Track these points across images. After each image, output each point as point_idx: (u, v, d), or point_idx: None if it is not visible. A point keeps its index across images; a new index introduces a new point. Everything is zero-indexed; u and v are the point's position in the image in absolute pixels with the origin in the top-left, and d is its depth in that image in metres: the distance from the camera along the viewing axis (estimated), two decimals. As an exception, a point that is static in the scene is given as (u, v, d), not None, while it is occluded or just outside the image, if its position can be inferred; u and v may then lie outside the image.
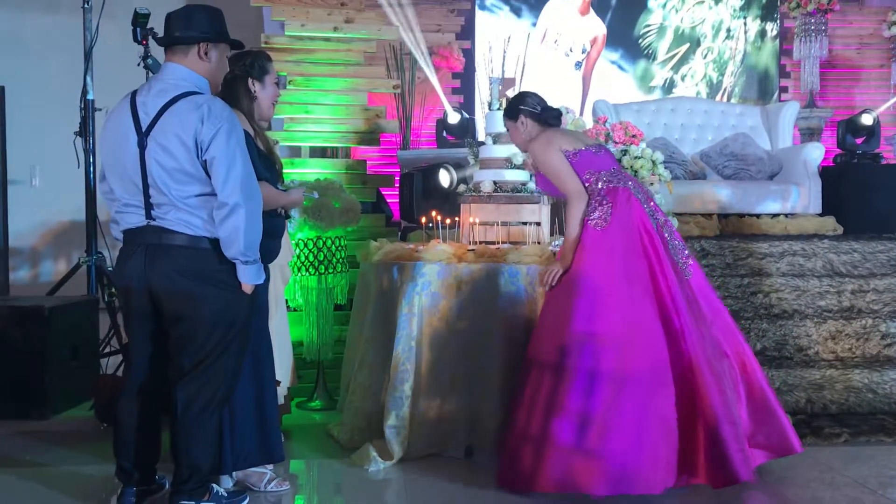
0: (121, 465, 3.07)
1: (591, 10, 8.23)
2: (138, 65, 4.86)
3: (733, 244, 4.93)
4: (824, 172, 6.15)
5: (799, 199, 5.94)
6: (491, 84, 4.62)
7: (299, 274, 4.51)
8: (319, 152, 6.07)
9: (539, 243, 4.02)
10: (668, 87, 8.35)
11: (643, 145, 4.88)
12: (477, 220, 4.16)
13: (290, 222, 4.35)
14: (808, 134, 7.71)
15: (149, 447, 3.10)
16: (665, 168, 4.67)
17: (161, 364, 3.02)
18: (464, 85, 8.04)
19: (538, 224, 4.14)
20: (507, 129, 3.70)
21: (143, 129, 2.85)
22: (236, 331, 2.96)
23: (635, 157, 4.57)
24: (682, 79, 8.39)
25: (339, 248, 4.58)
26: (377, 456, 3.63)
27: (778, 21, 8.42)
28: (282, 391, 3.84)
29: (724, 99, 8.28)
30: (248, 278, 2.93)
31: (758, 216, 5.80)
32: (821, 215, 5.88)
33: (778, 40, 8.40)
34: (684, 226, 5.26)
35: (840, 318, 4.62)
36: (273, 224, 3.19)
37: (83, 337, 4.82)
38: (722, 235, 5.41)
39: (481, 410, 3.70)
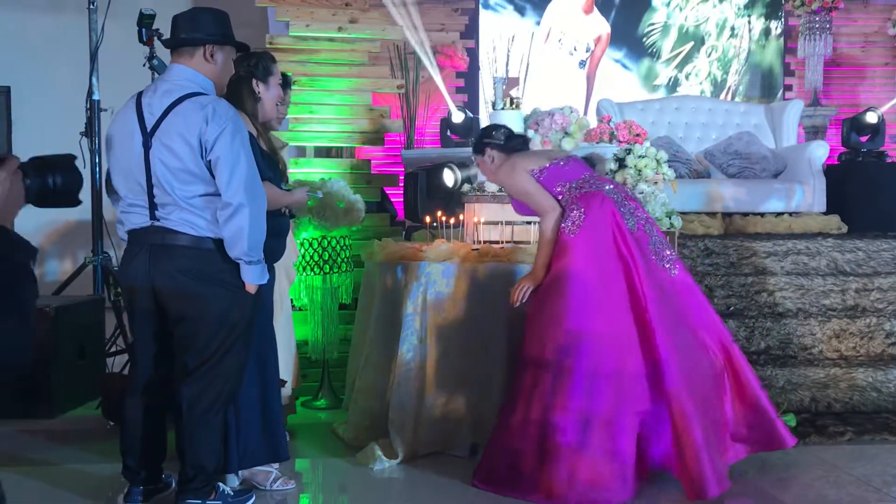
0: (127, 463, 3.09)
1: (595, 9, 8.23)
2: (144, 65, 4.88)
3: (737, 243, 4.93)
4: (829, 171, 6.15)
5: (803, 197, 5.93)
6: (495, 84, 4.63)
7: (304, 273, 4.52)
8: (324, 152, 6.09)
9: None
10: (673, 85, 8.34)
11: (647, 144, 4.88)
12: (481, 220, 4.17)
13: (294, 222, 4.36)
14: (813, 132, 7.70)
15: (155, 446, 3.12)
16: (669, 167, 4.67)
17: (166, 363, 3.04)
18: (468, 84, 8.04)
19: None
20: (477, 165, 3.73)
21: (149, 130, 2.87)
22: (240, 331, 2.98)
23: (639, 156, 4.57)
24: (687, 77, 8.38)
25: (344, 247, 4.59)
26: (382, 454, 3.65)
27: (782, 19, 8.41)
28: (286, 392, 3.86)
29: (729, 97, 8.27)
30: (251, 278, 2.95)
31: (762, 215, 5.79)
32: (825, 214, 5.87)
33: (782, 38, 8.39)
34: (688, 224, 5.26)
35: (844, 316, 4.62)
36: (277, 224, 3.21)
37: (89, 336, 4.85)
38: (726, 234, 5.41)
39: (485, 409, 3.70)
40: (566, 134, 5.50)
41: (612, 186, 3.42)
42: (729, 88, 8.40)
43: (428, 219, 4.43)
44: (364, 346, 4.14)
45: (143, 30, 4.79)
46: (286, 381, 3.80)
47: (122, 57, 5.61)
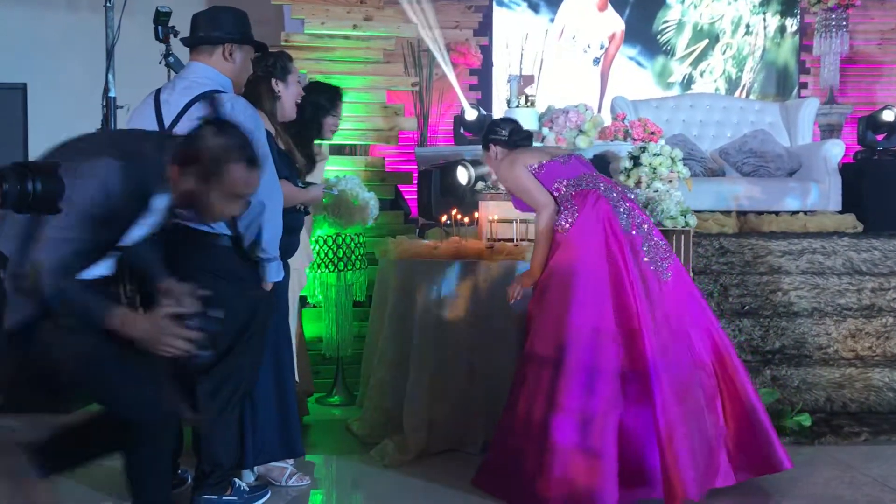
0: (144, 458, 3.11)
1: (609, 6, 8.21)
2: (160, 63, 4.89)
3: (752, 241, 4.91)
4: (844, 169, 6.11)
5: (819, 196, 5.90)
6: (510, 81, 4.63)
7: (318, 270, 4.54)
8: (338, 149, 6.10)
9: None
10: (687, 83, 8.31)
11: (662, 142, 4.87)
12: (495, 218, 4.17)
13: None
14: (828, 131, 7.65)
15: (171, 442, 3.13)
16: (684, 165, 4.66)
17: (182, 359, 3.05)
18: (481, 81, 8.04)
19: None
20: (484, 162, 3.72)
21: (166, 127, 2.88)
22: (256, 327, 2.99)
23: (654, 154, 4.56)
24: (701, 75, 8.35)
25: (358, 244, 4.60)
26: (396, 451, 3.66)
27: (798, 17, 8.36)
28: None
29: (743, 95, 8.23)
30: (268, 275, 2.96)
31: (777, 213, 5.76)
32: (840, 213, 5.84)
33: (798, 36, 8.34)
34: (703, 223, 5.24)
35: (860, 316, 4.60)
36: (292, 220, 3.22)
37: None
38: (741, 233, 5.39)
39: (498, 407, 3.70)
40: (581, 132, 5.50)
41: (609, 186, 3.38)
42: (744, 86, 8.36)
43: (442, 217, 4.43)
44: (378, 343, 4.15)
45: (160, 27, 4.81)
46: (298, 381, 3.81)
47: (138, 54, 5.63)
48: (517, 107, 4.58)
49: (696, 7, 8.32)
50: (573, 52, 8.20)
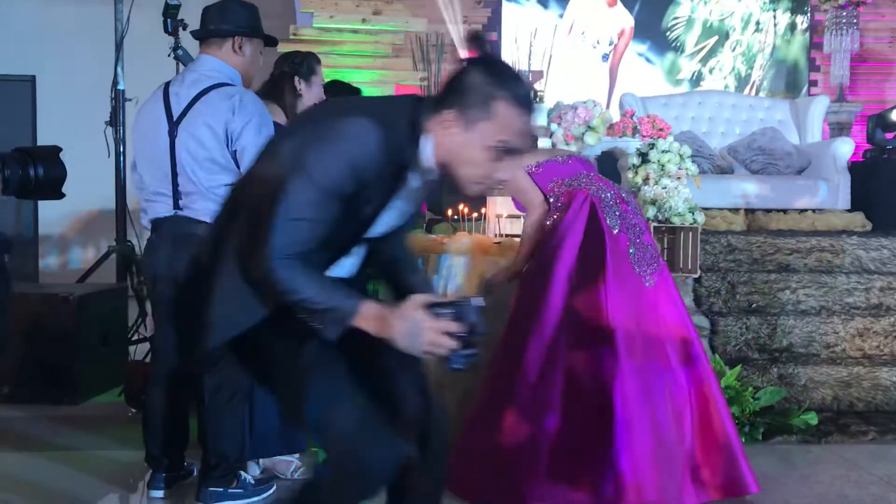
0: (150, 451, 3.12)
1: (619, 2, 8.19)
2: (168, 55, 4.90)
3: (760, 239, 4.89)
4: (853, 168, 6.08)
5: (827, 194, 5.88)
6: (519, 77, 4.61)
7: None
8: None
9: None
10: (696, 80, 8.29)
11: (671, 139, 4.85)
12: (503, 213, 4.16)
13: None
14: (838, 129, 7.62)
15: (177, 434, 3.15)
16: (692, 162, 4.64)
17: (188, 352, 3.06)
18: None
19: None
20: None
21: (175, 119, 2.89)
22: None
23: (663, 151, 4.54)
24: (710, 72, 8.33)
25: (365, 239, 4.60)
26: (401, 446, 3.65)
27: (808, 14, 8.33)
28: None
29: (753, 92, 8.21)
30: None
31: (785, 211, 5.74)
32: (849, 211, 5.82)
33: (808, 33, 8.31)
34: (711, 220, 5.22)
35: (868, 315, 4.58)
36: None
37: (113, 324, 4.89)
38: (749, 230, 5.37)
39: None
40: (589, 128, 5.48)
41: (603, 186, 3.34)
42: (753, 83, 8.33)
43: (450, 212, 4.43)
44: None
45: (169, 20, 4.81)
46: None
47: (146, 47, 5.64)
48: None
49: (705, 3, 8.30)
50: (582, 47, 8.18)
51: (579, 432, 3.02)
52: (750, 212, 5.72)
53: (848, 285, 4.68)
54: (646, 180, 4.54)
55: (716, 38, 8.32)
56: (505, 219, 4.15)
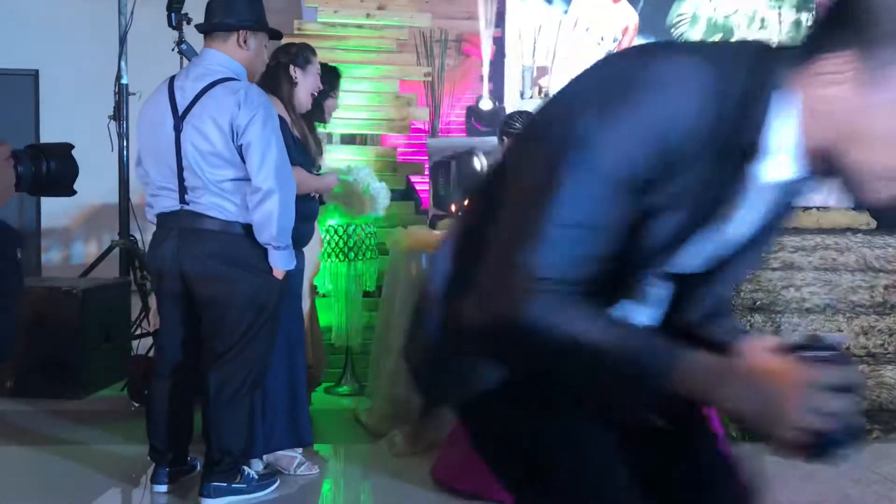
0: (154, 445, 3.12)
1: (623, -1, 8.17)
2: (172, 50, 4.89)
3: (765, 237, 4.87)
4: (858, 166, 6.06)
5: (832, 192, 5.84)
6: (524, 72, 4.61)
7: (329, 260, 4.53)
8: (349, 139, 6.09)
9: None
10: (700, 77, 8.26)
11: (675, 136, 4.84)
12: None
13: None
14: (842, 126, 7.60)
15: (181, 428, 3.15)
16: (697, 159, 4.63)
17: (193, 347, 3.07)
18: (494, 73, 8.00)
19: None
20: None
21: (180, 113, 2.88)
22: (267, 315, 2.99)
23: (667, 148, 4.54)
24: (715, 69, 8.30)
25: (369, 234, 4.59)
26: (404, 442, 3.66)
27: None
28: None
29: (757, 90, 8.18)
30: (279, 263, 2.96)
31: (789, 209, 5.72)
32: (854, 209, 5.80)
33: (813, 31, 8.28)
34: (715, 218, 5.22)
35: (873, 313, 4.57)
36: (306, 207, 3.23)
37: (115, 318, 4.89)
38: (753, 228, 5.36)
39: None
40: (593, 124, 5.46)
41: None
42: (757, 81, 8.31)
43: (454, 207, 4.42)
44: (388, 333, 4.15)
45: (173, 14, 4.81)
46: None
47: (150, 41, 5.63)
48: (531, 98, 4.55)
49: (710, 0, 8.27)
50: (587, 44, 8.16)
51: None
52: (754, 209, 5.70)
53: (853, 283, 4.67)
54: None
55: (720, 35, 8.29)
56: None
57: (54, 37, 8.01)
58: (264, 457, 3.30)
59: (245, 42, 2.97)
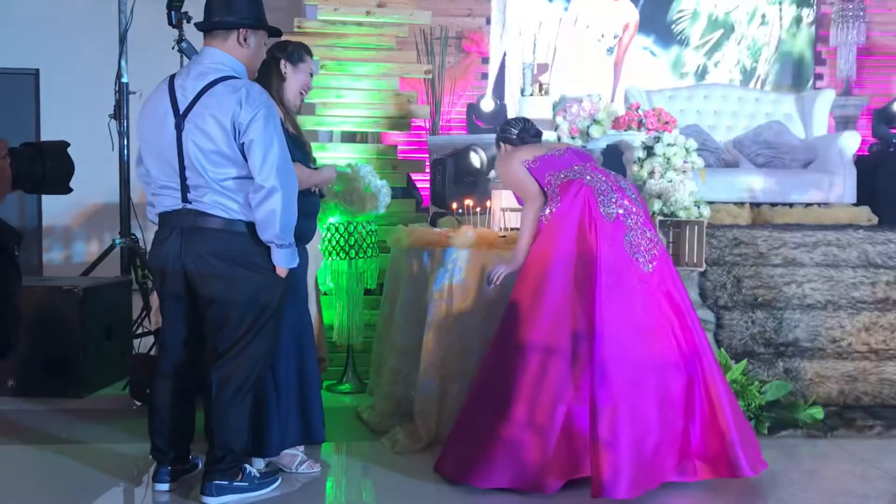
0: (156, 444, 3.12)
1: (624, -5, 8.16)
2: (172, 48, 4.89)
3: (766, 233, 4.87)
4: (859, 162, 6.06)
5: (833, 188, 5.86)
6: (524, 69, 4.60)
7: (330, 258, 4.53)
8: (350, 137, 6.09)
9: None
10: (701, 73, 8.26)
11: (676, 132, 4.83)
12: (507, 207, 4.15)
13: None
14: (844, 122, 7.59)
15: (183, 427, 3.15)
16: (698, 156, 4.62)
17: (195, 345, 3.07)
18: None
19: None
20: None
21: (181, 112, 2.88)
22: (270, 314, 2.99)
23: (668, 145, 4.53)
24: (716, 65, 8.29)
25: (370, 232, 4.59)
26: (406, 440, 3.66)
27: (814, 7, 8.29)
28: None
29: (758, 86, 8.17)
30: (282, 262, 2.96)
31: (790, 205, 5.72)
32: (855, 205, 5.79)
33: (814, 27, 8.27)
34: (716, 214, 5.21)
35: (874, 309, 4.56)
36: (308, 203, 3.23)
37: (117, 317, 4.89)
38: (754, 224, 5.35)
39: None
40: (594, 121, 5.47)
41: (597, 175, 3.35)
42: (758, 77, 8.30)
43: (454, 205, 4.42)
44: (389, 331, 4.15)
45: (173, 13, 4.80)
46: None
47: (150, 40, 5.64)
48: (531, 95, 4.55)
49: (711, -4, 8.26)
50: (587, 41, 8.15)
51: (575, 419, 3.07)
52: (755, 206, 5.71)
53: (854, 279, 4.67)
54: (651, 174, 4.52)
55: (721, 31, 8.28)
56: (509, 213, 4.14)
57: (54, 36, 8.01)
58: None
59: (245, 40, 2.97)
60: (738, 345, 4.39)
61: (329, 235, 4.49)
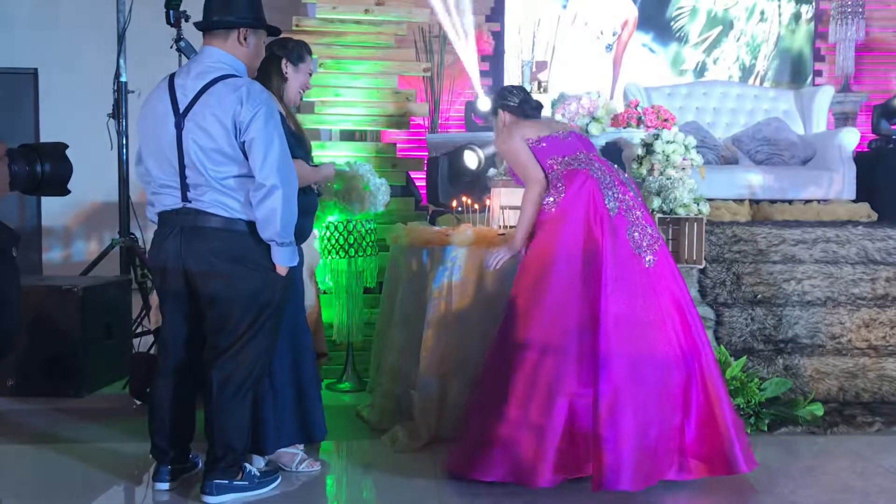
0: (156, 443, 3.12)
1: (623, -8, 8.15)
2: (171, 47, 4.89)
3: (766, 230, 4.87)
4: (858, 158, 6.06)
5: (832, 185, 5.86)
6: (523, 67, 4.60)
7: (329, 257, 4.53)
8: (349, 135, 6.08)
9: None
10: (700, 70, 8.25)
11: (675, 129, 4.83)
12: (507, 205, 4.15)
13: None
14: (843, 119, 7.59)
15: (183, 426, 3.15)
16: (697, 153, 4.62)
17: (195, 344, 3.07)
18: (493, 68, 8.00)
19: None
20: (493, 125, 3.73)
21: (182, 111, 2.87)
22: (270, 312, 3.00)
23: (668, 142, 4.53)
24: (715, 62, 8.29)
25: (369, 231, 4.59)
26: (406, 438, 3.66)
27: (813, 3, 8.28)
28: None
29: (757, 83, 8.17)
30: (282, 260, 2.96)
31: (790, 202, 5.72)
32: (854, 202, 5.79)
33: (813, 23, 8.26)
34: (716, 211, 5.21)
35: (874, 305, 4.56)
36: (307, 201, 3.22)
37: (116, 316, 4.89)
38: (754, 221, 5.35)
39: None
40: (593, 118, 5.47)
41: (602, 167, 3.34)
42: (757, 74, 8.30)
43: (454, 203, 4.42)
44: (389, 329, 4.15)
45: (171, 12, 4.81)
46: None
47: (149, 39, 5.64)
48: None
49: (710, -7, 8.25)
50: (586, 38, 8.14)
51: (577, 415, 3.08)
52: (755, 202, 5.70)
53: (854, 276, 4.67)
54: (651, 171, 4.53)
55: (720, 27, 8.28)
56: (509, 210, 4.14)
57: (53, 36, 8.01)
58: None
59: (245, 39, 2.97)
60: (737, 341, 4.40)
61: (328, 234, 4.49)
